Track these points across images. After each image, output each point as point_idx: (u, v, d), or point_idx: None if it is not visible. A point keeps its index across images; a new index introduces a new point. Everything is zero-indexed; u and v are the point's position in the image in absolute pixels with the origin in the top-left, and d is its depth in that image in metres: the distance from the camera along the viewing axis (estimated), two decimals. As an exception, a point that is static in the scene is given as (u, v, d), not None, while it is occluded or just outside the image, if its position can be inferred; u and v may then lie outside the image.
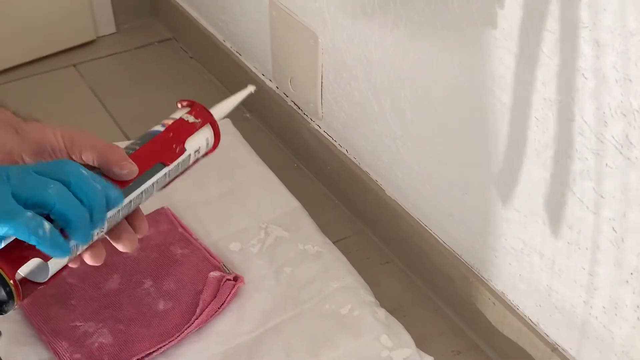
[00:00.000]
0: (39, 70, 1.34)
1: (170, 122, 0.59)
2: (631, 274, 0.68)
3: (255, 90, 0.66)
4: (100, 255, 0.53)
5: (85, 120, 1.23)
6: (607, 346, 0.74)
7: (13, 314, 0.84)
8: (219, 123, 0.61)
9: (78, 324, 0.84)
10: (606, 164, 0.65)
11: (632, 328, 0.70)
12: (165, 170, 0.56)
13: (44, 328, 0.83)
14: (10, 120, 0.53)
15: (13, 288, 0.46)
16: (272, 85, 1.19)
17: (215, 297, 0.86)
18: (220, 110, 0.63)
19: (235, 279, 0.89)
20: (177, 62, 1.39)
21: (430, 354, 0.85)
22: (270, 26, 1.12)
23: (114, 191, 0.50)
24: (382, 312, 0.89)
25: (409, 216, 0.97)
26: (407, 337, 0.86)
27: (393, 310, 0.90)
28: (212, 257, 0.92)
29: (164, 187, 0.58)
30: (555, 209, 0.73)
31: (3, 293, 0.47)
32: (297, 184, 1.08)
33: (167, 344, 0.82)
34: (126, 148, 0.55)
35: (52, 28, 1.35)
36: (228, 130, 1.13)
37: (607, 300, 0.72)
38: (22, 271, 0.48)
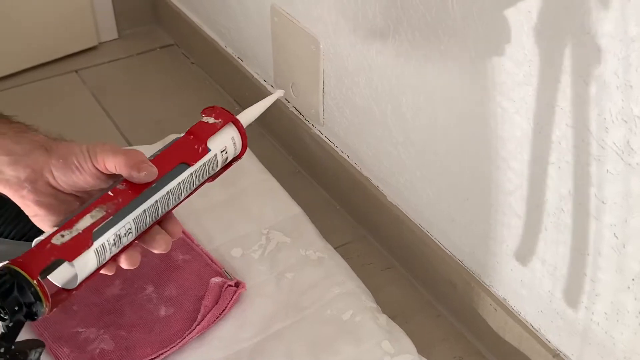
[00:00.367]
0: (41, 76, 1.35)
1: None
2: (633, 279, 0.68)
3: (284, 95, 0.66)
4: (136, 258, 0.54)
5: (87, 126, 1.24)
6: (609, 352, 0.73)
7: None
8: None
9: (79, 329, 0.84)
10: (607, 170, 0.65)
11: (634, 334, 0.70)
12: (190, 170, 0.56)
13: (45, 334, 0.83)
14: (42, 141, 0.56)
15: (37, 288, 0.47)
16: (273, 91, 1.20)
17: (217, 303, 0.86)
18: (247, 116, 0.62)
19: (237, 284, 0.89)
20: (178, 68, 1.39)
21: (431, 360, 0.85)
22: (272, 32, 1.12)
23: None
24: (383, 318, 0.89)
25: (411, 222, 0.97)
26: (408, 343, 0.86)
27: (394, 316, 0.90)
28: (214, 262, 0.92)
29: (197, 189, 0.58)
30: (556, 215, 0.73)
31: (29, 295, 0.47)
32: (299, 190, 1.08)
33: (168, 350, 0.82)
34: (150, 156, 0.56)
35: (54, 34, 1.36)
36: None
37: (608, 306, 0.72)
38: (51, 277, 0.49)
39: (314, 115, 1.10)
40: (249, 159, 1.11)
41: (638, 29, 0.58)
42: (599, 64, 0.62)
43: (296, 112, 1.15)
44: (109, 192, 0.53)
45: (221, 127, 0.59)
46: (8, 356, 0.47)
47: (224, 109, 0.61)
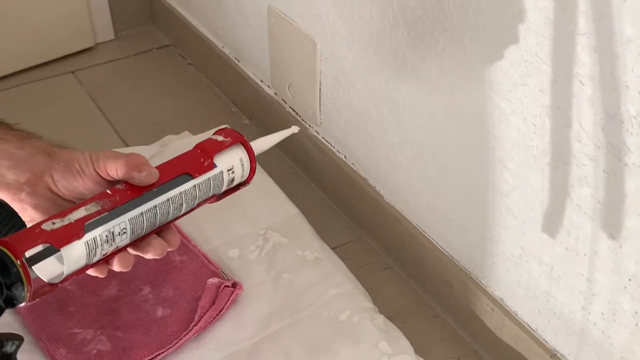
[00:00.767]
0: (37, 76, 1.34)
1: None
2: (629, 280, 0.68)
3: (298, 131, 0.66)
4: (129, 261, 0.53)
5: (83, 127, 1.24)
6: (606, 352, 0.74)
7: (10, 320, 0.84)
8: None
9: (76, 330, 0.84)
10: (603, 170, 0.65)
11: (631, 334, 0.70)
12: (193, 182, 0.55)
13: (42, 335, 0.83)
14: (44, 146, 0.56)
15: (20, 269, 0.46)
16: (270, 91, 1.20)
17: (214, 303, 0.86)
18: (259, 144, 0.62)
19: (234, 285, 0.89)
20: (175, 68, 1.39)
21: (429, 361, 0.86)
22: (269, 33, 1.12)
23: None
24: (381, 319, 0.89)
25: (408, 222, 0.97)
26: (406, 344, 0.86)
27: (392, 316, 0.90)
28: (211, 263, 0.92)
29: (199, 205, 0.57)
30: (553, 215, 0.73)
31: (11, 276, 0.45)
32: (296, 191, 1.08)
33: (165, 351, 0.82)
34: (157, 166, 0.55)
35: (51, 35, 1.36)
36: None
37: (605, 307, 0.72)
38: (37, 268, 0.48)
39: (311, 116, 1.10)
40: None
41: (633, 29, 0.58)
42: (595, 64, 0.62)
43: (293, 113, 1.15)
44: (107, 191, 0.53)
45: (229, 145, 0.58)
46: None
47: (235, 131, 0.60)
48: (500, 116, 0.74)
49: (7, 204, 0.55)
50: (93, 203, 0.51)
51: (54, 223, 0.49)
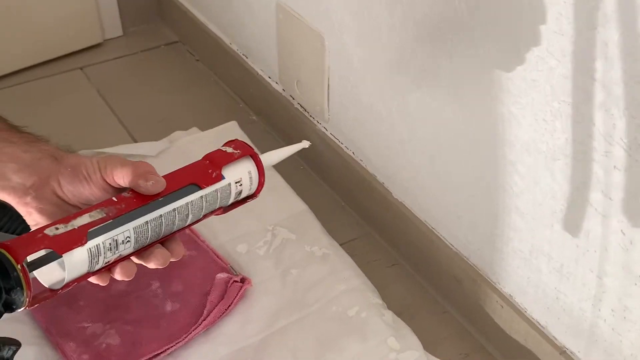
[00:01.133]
0: (46, 73, 1.35)
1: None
2: (640, 276, 0.68)
3: (309, 146, 0.65)
4: (131, 270, 0.53)
5: (92, 123, 1.24)
6: (616, 350, 0.73)
7: (20, 313, 0.84)
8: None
9: (86, 324, 0.84)
10: (614, 167, 0.65)
11: (641, 331, 0.70)
12: (200, 192, 0.55)
13: (51, 329, 0.83)
14: (52, 151, 0.55)
15: (20, 274, 0.45)
16: (278, 87, 1.20)
17: (223, 298, 0.87)
18: (268, 157, 0.61)
19: (243, 280, 0.89)
20: (183, 65, 1.39)
21: (437, 357, 0.85)
22: (277, 28, 1.12)
23: None
24: (389, 315, 0.89)
25: (416, 218, 0.97)
26: (414, 340, 0.86)
27: (400, 313, 0.90)
28: (220, 258, 0.92)
29: (205, 216, 0.57)
30: (563, 212, 0.73)
31: (11, 280, 0.45)
32: (304, 187, 1.08)
33: (174, 345, 0.82)
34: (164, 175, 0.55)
35: (59, 31, 1.36)
36: (235, 133, 1.14)
37: (615, 304, 0.71)
38: (37, 274, 0.48)
39: (319, 112, 1.10)
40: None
41: (647, 24, 0.58)
42: (606, 60, 0.61)
43: (301, 109, 1.14)
44: (113, 198, 0.52)
45: (238, 157, 0.58)
46: None
47: (246, 143, 0.59)
48: (512, 113, 0.74)
49: (13, 208, 0.55)
50: (98, 210, 0.51)
51: (57, 228, 0.49)
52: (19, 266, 0.45)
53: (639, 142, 0.62)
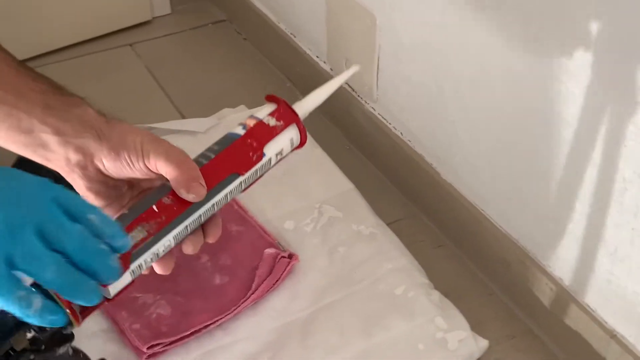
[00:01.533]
0: (96, 48, 1.37)
1: (251, 122, 0.55)
2: (699, 261, 0.66)
3: (359, 70, 0.60)
4: (170, 264, 0.53)
5: (141, 98, 1.25)
6: (670, 335, 0.72)
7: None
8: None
9: (137, 295, 0.85)
10: (678, 148, 0.64)
11: (698, 317, 0.69)
12: (240, 179, 0.54)
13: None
14: (93, 121, 0.53)
15: (71, 317, 0.46)
16: (326, 67, 1.19)
17: (271, 273, 0.87)
18: (315, 98, 0.58)
19: (290, 256, 0.90)
20: (230, 43, 1.40)
21: (484, 338, 0.85)
22: (327, 7, 1.12)
23: (118, 240, 0.46)
24: (436, 295, 0.89)
25: (465, 199, 0.96)
26: (462, 320, 0.86)
27: (446, 293, 0.90)
28: (267, 234, 0.93)
29: (241, 192, 0.55)
30: (618, 196, 0.72)
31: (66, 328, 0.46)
32: (350, 166, 1.08)
33: (223, 317, 0.83)
34: (202, 154, 0.53)
35: (109, 8, 1.38)
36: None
37: (671, 288, 0.70)
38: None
39: (367, 92, 1.09)
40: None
41: None
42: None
43: (349, 89, 1.14)
44: (154, 207, 0.51)
45: (281, 130, 0.55)
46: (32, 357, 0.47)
47: (288, 106, 0.56)
48: (567, 96, 0.73)
49: (64, 179, 0.54)
50: (139, 227, 0.50)
51: None
52: (68, 311, 0.45)
53: None
